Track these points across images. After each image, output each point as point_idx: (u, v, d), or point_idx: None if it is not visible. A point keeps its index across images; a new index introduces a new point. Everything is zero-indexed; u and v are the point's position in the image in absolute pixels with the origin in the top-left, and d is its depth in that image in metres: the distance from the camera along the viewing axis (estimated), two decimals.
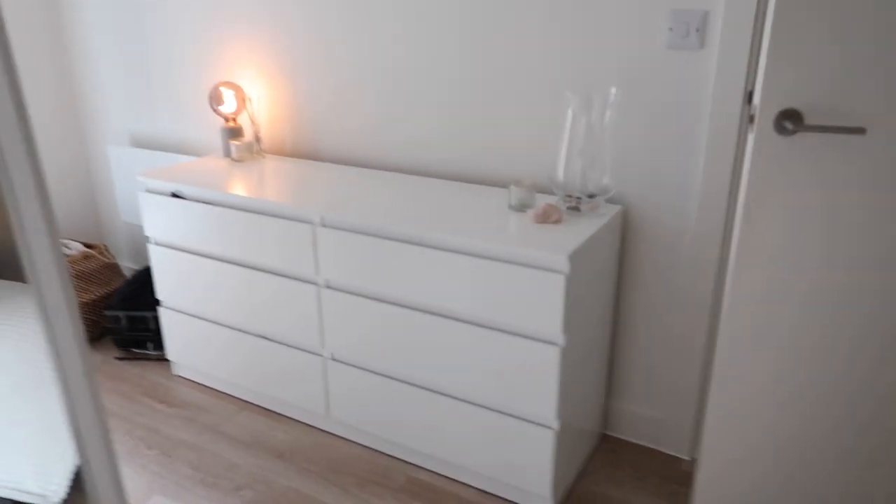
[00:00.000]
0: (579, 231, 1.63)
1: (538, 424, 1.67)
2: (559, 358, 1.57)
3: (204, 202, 2.04)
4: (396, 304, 1.78)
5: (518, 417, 1.70)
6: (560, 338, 1.57)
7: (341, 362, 1.96)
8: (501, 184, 2.03)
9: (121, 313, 2.47)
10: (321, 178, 2.09)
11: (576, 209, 1.73)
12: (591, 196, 1.71)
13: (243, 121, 2.40)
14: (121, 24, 2.59)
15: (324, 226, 1.83)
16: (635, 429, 2.04)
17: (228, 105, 2.29)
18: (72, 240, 2.79)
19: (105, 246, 2.74)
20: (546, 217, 1.67)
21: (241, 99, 2.29)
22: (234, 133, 2.30)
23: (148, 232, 2.21)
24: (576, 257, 1.53)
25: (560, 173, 1.71)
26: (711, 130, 1.65)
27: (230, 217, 1.98)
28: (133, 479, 1.93)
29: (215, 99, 2.28)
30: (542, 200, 1.84)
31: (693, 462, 1.97)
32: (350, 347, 1.91)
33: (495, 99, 1.93)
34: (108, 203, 3.03)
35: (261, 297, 2.03)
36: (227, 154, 2.31)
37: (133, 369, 2.50)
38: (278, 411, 2.22)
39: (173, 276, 2.22)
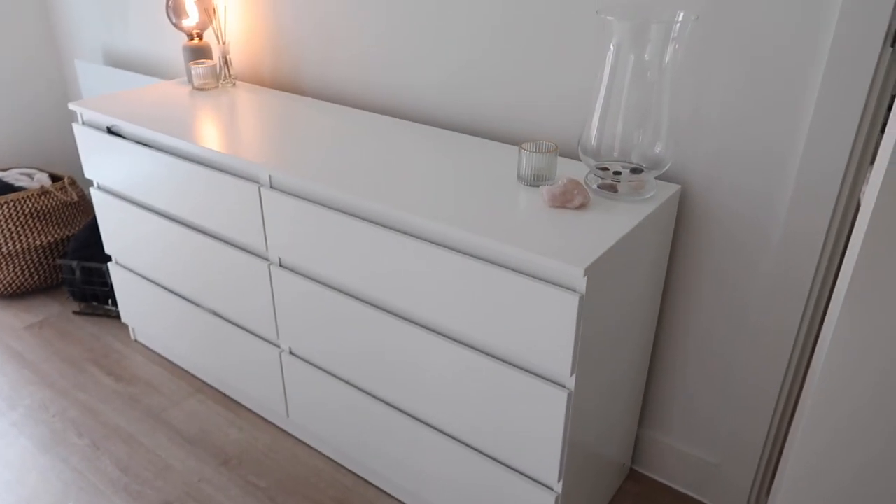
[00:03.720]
0: (612, 224, 1.12)
1: (536, 482, 1.22)
2: (566, 406, 1.10)
3: (140, 143, 1.61)
4: (362, 301, 1.33)
5: (511, 468, 1.25)
6: (568, 380, 1.10)
7: (300, 359, 1.54)
8: (515, 141, 1.51)
9: (74, 263, 2.11)
10: (292, 120, 1.61)
11: (611, 189, 1.21)
12: (635, 170, 1.19)
13: (211, 38, 1.93)
14: None
15: (272, 188, 1.37)
16: (673, 469, 1.57)
17: (191, 17, 1.81)
18: (38, 169, 2.43)
19: (72, 179, 2.36)
20: (566, 199, 1.16)
21: (207, 10, 1.81)
22: (197, 53, 1.83)
23: (88, 173, 1.80)
24: (599, 268, 1.03)
25: (592, 135, 1.18)
26: (827, 85, 1.09)
27: (170, 165, 1.55)
28: (50, 476, 1.59)
29: (175, 9, 1.81)
30: (567, 172, 1.32)
31: None
32: (309, 344, 1.48)
33: (515, 22, 1.40)
34: None
35: (210, 268, 1.61)
36: (191, 79, 1.85)
37: (90, 328, 2.15)
38: (238, 400, 1.84)
39: (119, 228, 1.82)
